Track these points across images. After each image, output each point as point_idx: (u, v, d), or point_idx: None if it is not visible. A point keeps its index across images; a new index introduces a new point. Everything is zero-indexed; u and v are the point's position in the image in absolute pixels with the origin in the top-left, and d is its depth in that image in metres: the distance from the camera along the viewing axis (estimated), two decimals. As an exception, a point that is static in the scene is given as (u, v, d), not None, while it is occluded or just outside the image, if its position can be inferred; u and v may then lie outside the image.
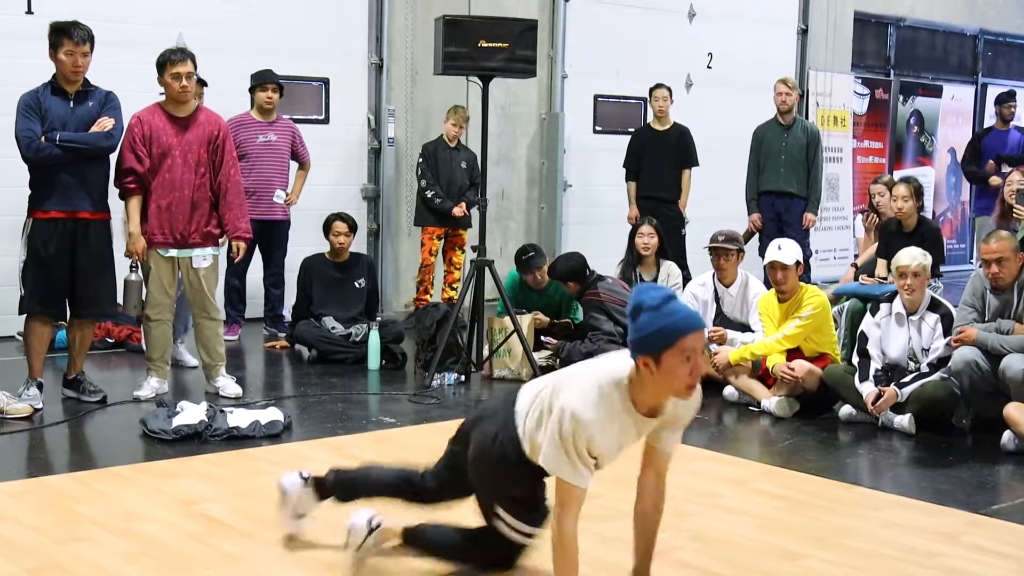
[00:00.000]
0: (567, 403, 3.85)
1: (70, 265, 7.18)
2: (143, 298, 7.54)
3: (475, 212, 8.77)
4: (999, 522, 5.45)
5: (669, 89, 11.35)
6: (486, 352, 8.63)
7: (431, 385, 8.15)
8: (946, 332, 7.18)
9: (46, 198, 7.11)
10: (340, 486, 4.82)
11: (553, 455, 3.90)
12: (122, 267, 7.55)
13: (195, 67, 7.48)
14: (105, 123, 7.17)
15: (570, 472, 3.90)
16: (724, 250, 8.31)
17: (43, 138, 7.03)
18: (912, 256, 7.24)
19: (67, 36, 7.07)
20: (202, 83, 8.57)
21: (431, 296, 10.70)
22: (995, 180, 11.83)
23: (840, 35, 15.36)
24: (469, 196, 10.53)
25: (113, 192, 7.44)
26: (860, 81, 15.62)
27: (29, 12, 9.21)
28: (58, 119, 7.09)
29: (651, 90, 11.41)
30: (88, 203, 7.18)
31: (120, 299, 7.55)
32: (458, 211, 10.52)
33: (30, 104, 7.09)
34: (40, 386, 7.28)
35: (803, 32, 15.06)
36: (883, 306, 7.41)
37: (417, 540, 4.60)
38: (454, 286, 10.74)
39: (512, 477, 4.22)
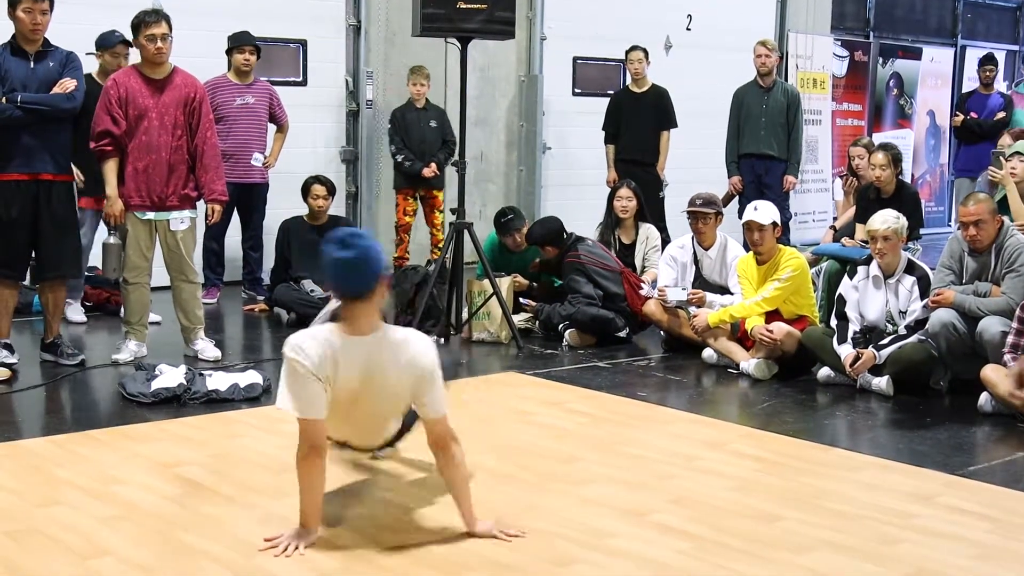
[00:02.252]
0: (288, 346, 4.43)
1: (32, 227, 7.16)
2: (121, 261, 7.51)
3: (454, 174, 8.74)
4: (975, 483, 5.48)
5: (645, 51, 11.32)
6: (465, 315, 8.63)
7: (410, 348, 8.12)
8: (923, 295, 7.20)
9: (7, 160, 7.08)
10: None
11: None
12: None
13: (170, 29, 7.42)
14: (67, 84, 7.12)
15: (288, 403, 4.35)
16: (702, 214, 8.31)
17: (3, 99, 6.98)
18: (883, 220, 7.24)
19: None
20: (127, 44, 8.47)
21: (408, 256, 10.70)
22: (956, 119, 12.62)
23: (820, -3, 15.34)
24: (439, 156, 10.55)
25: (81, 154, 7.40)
26: (840, 43, 15.61)
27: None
28: (18, 80, 7.05)
29: (627, 52, 11.38)
30: (50, 165, 7.15)
31: (99, 263, 7.53)
32: (427, 172, 10.51)
33: None
34: (8, 347, 7.27)
35: (783, -6, 15.04)
36: (860, 269, 7.42)
37: None
38: (439, 247, 10.74)
39: None
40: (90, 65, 8.20)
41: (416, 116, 10.76)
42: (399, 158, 10.64)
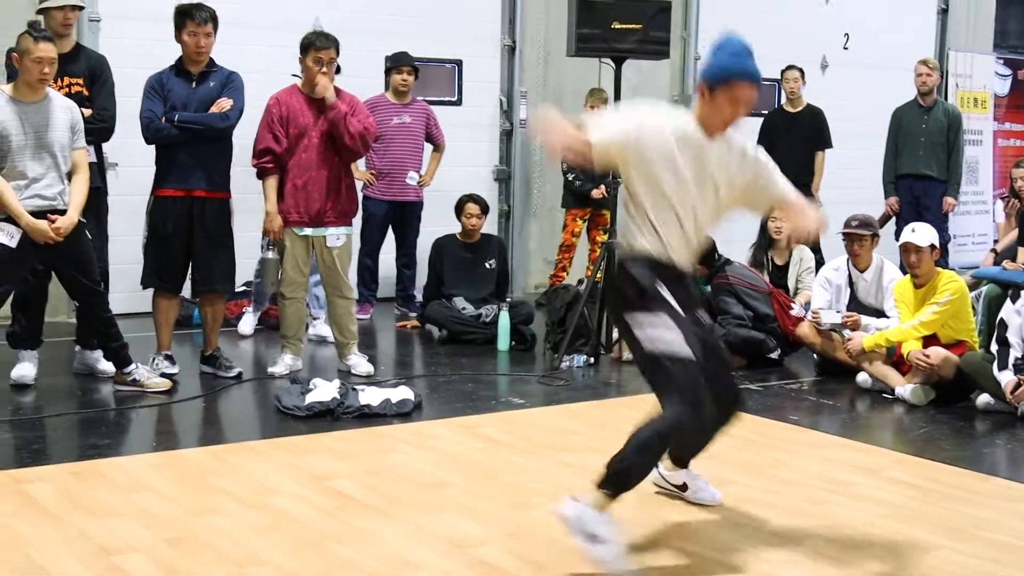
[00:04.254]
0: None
1: (187, 242, 7.36)
2: (279, 276, 7.68)
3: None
4: None
5: (801, 71, 11.19)
6: (615, 335, 8.61)
7: (560, 367, 8.16)
8: (1090, 321, 6.99)
9: (166, 177, 7.33)
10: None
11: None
12: (241, 245, 7.71)
13: (338, 54, 7.57)
14: (223, 104, 7.31)
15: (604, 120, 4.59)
16: (858, 235, 8.18)
17: (163, 118, 7.21)
18: (1053, 241, 7.06)
19: (189, 18, 7.26)
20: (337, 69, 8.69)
21: (567, 275, 10.72)
22: None
23: (982, 14, 14.98)
24: (609, 178, 10.54)
25: (234, 171, 7.58)
26: (1002, 61, 15.22)
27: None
28: (179, 99, 7.28)
29: (782, 72, 11.27)
30: (204, 182, 7.34)
31: (255, 277, 7.69)
32: (597, 193, 10.51)
33: (153, 85, 7.33)
34: (169, 358, 7.48)
35: (943, 11, 14.72)
36: (1023, 293, 7.23)
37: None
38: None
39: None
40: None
41: None
42: (570, 177, 10.67)
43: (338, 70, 8.74)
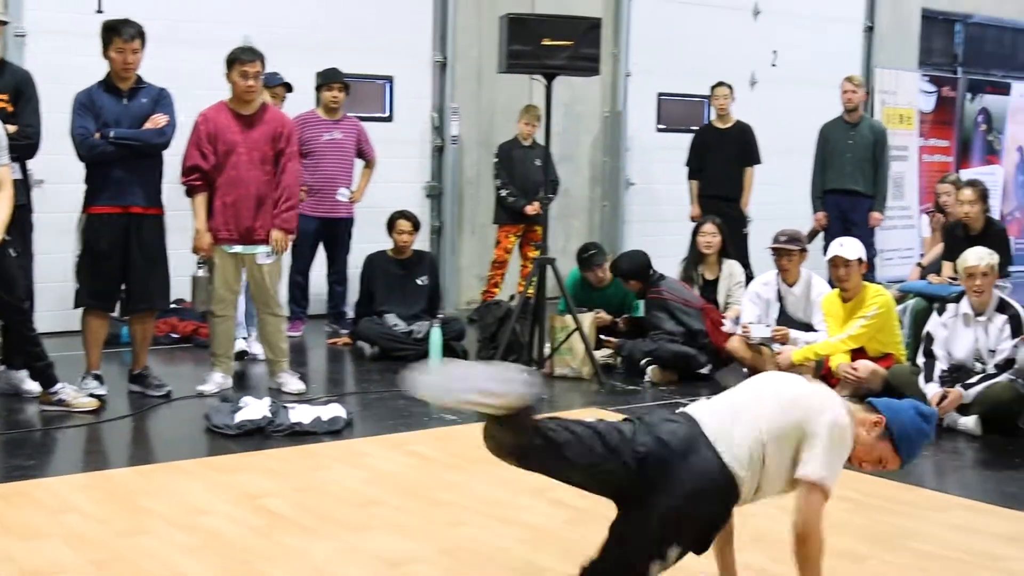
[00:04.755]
0: (840, 419, 3.94)
1: (123, 260, 7.29)
2: (209, 294, 7.62)
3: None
4: (1066, 526, 5.38)
5: (730, 87, 11.29)
6: (547, 350, 8.62)
7: (492, 383, 8.13)
8: (1014, 333, 7.09)
9: (99, 194, 7.25)
10: None
11: (830, 463, 3.93)
12: (178, 262, 7.64)
13: (263, 67, 7.55)
14: (158, 120, 7.26)
15: (834, 478, 3.96)
16: (787, 250, 8.26)
17: (97, 135, 7.14)
18: (979, 256, 7.16)
19: (116, 34, 7.20)
20: (288, 87, 8.69)
21: (499, 291, 10.73)
22: None
23: (907, 32, 15.20)
24: (541, 194, 10.59)
25: (168, 188, 7.52)
26: (927, 79, 15.45)
27: (99, 11, 9.28)
28: (111, 116, 7.21)
29: (712, 88, 11.36)
30: (141, 198, 7.28)
31: (186, 294, 7.63)
32: (531, 209, 10.53)
33: (84, 102, 7.23)
34: (98, 378, 7.39)
35: (869, 29, 14.91)
36: (950, 306, 7.33)
37: None
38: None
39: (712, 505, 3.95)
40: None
41: (523, 154, 10.82)
42: (503, 193, 10.70)
43: (289, 88, 8.73)
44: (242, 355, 8.56)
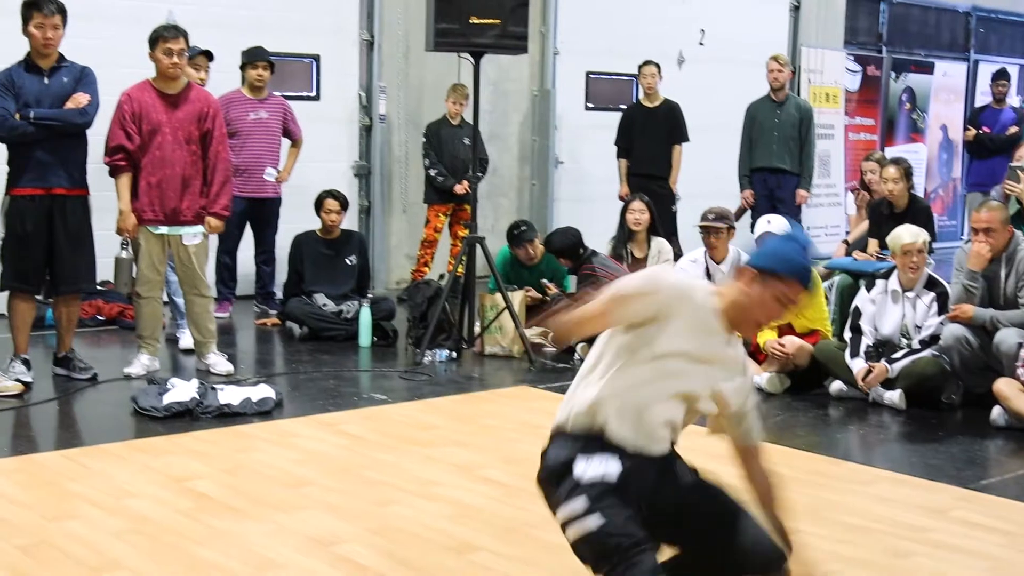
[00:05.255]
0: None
1: (47, 242, 7.17)
2: (133, 275, 7.53)
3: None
4: (988, 497, 5.47)
5: (658, 66, 11.33)
6: (477, 329, 8.63)
7: (422, 362, 8.15)
8: (941, 310, 7.19)
9: (22, 175, 7.10)
10: None
11: (623, 281, 3.65)
12: (102, 243, 7.54)
13: (187, 45, 7.46)
14: (80, 99, 7.13)
15: (618, 290, 3.61)
16: (715, 228, 8.31)
17: (17, 115, 7.01)
18: (914, 234, 7.26)
19: (37, 9, 7.04)
20: (208, 56, 8.50)
21: (429, 270, 10.71)
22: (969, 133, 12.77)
23: (832, 12, 15.32)
24: (470, 173, 10.58)
25: (91, 168, 7.42)
26: (852, 58, 15.60)
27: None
28: (32, 95, 7.06)
29: (640, 67, 11.39)
30: (64, 179, 7.16)
31: (111, 276, 7.55)
32: (459, 189, 10.52)
33: (3, 82, 7.06)
34: (26, 362, 7.28)
35: (795, 9, 15.04)
36: (879, 282, 7.42)
37: None
38: (457, 258, 10.78)
39: None
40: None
41: (451, 133, 10.79)
42: (432, 172, 10.67)
43: (210, 56, 8.58)
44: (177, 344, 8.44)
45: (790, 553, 3.74)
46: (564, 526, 3.46)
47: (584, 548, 3.43)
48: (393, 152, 11.66)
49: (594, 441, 3.55)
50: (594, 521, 3.39)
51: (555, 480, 3.55)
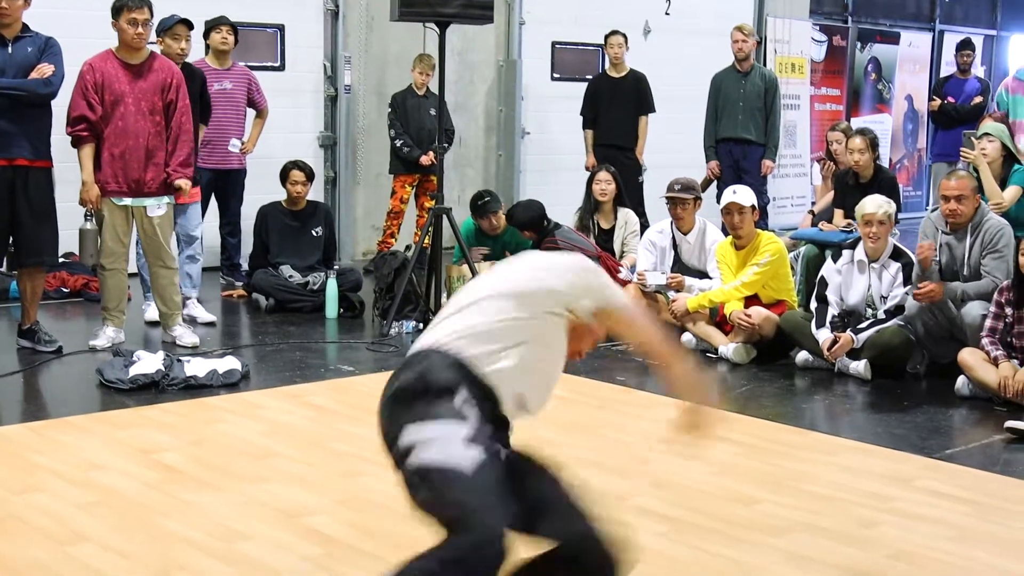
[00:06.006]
0: None
1: (10, 213, 7.12)
2: (98, 247, 7.48)
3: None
4: (953, 466, 5.51)
5: (624, 36, 11.31)
6: (444, 300, 8.62)
7: (389, 333, 8.14)
8: (907, 281, 7.23)
9: None
10: None
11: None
12: (66, 215, 7.48)
13: (151, 14, 7.40)
14: (44, 69, 7.07)
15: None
16: (681, 199, 8.32)
17: None
18: (877, 204, 7.28)
19: None
20: (188, 24, 8.42)
21: (395, 241, 10.69)
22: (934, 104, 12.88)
23: (798, -19, 15.33)
24: (436, 144, 10.55)
25: (56, 140, 7.36)
26: (818, 28, 15.61)
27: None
28: None
29: (606, 37, 11.37)
30: (27, 151, 7.10)
31: (75, 248, 7.49)
32: (425, 160, 10.49)
33: None
34: (-8, 335, 7.25)
35: (762, -21, 15.04)
36: (845, 252, 7.45)
37: None
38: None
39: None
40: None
41: (417, 103, 10.75)
42: (398, 143, 10.63)
43: (190, 25, 8.48)
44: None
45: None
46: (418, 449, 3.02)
47: (439, 485, 2.96)
48: (358, 123, 11.61)
49: (485, 402, 3.16)
50: (470, 463, 2.96)
51: (430, 395, 3.14)
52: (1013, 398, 6.44)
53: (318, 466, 5.27)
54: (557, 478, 3.27)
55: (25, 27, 7.15)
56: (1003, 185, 7.96)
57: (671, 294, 8.20)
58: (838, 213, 8.83)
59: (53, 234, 7.38)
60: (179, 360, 6.84)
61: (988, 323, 6.71)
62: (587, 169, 10.76)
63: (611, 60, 11.38)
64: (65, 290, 9.17)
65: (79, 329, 8.08)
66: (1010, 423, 6.04)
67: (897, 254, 7.34)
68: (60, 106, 7.34)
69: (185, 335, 7.69)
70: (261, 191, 9.84)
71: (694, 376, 3.53)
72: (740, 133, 11.08)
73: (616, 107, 11.16)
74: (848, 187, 8.72)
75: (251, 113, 9.89)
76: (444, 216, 8.46)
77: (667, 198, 8.39)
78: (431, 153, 10.35)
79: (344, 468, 5.24)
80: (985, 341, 6.67)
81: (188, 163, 7.63)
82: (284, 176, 9.38)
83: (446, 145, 8.80)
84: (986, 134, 8.21)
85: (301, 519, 4.58)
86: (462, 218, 9.27)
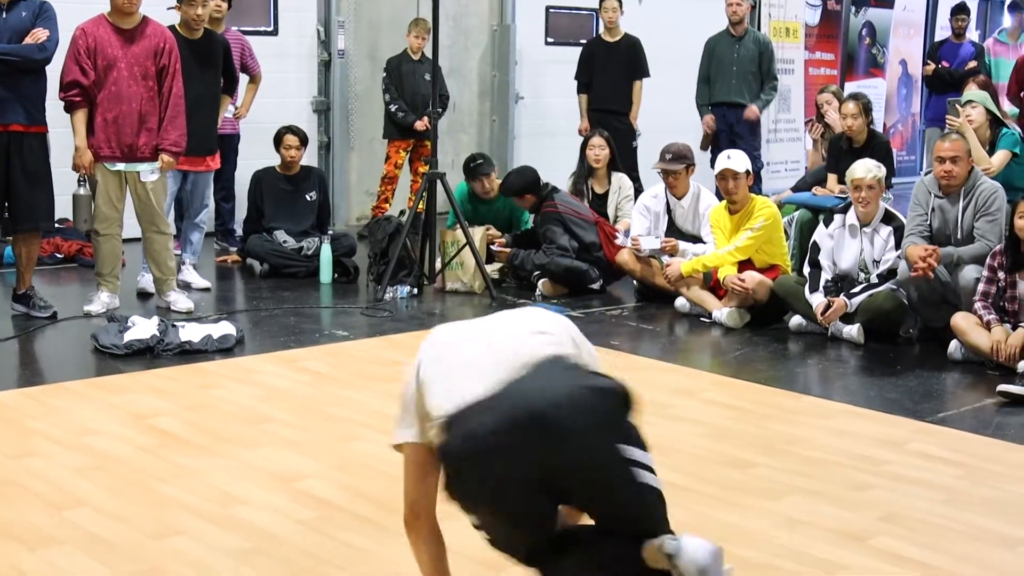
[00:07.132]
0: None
1: (4, 179, 7.10)
2: (92, 212, 7.47)
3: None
4: (945, 429, 5.54)
5: (619, 0, 11.27)
6: (439, 265, 8.63)
7: (383, 298, 8.15)
8: (898, 245, 7.24)
9: None
10: None
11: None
12: (60, 181, 7.47)
13: None
14: (38, 34, 7.05)
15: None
16: (672, 171, 8.30)
17: None
18: (867, 168, 7.28)
19: None
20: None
21: (390, 206, 10.68)
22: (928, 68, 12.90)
23: (793, -55, 15.27)
24: (430, 109, 10.52)
25: (50, 105, 7.33)
26: (812, -8, 15.57)
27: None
28: None
29: (600, 1, 11.32)
30: (22, 116, 7.08)
31: (69, 214, 7.47)
32: (420, 125, 10.46)
33: None
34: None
35: (756, -58, 14.97)
36: (837, 217, 7.46)
37: None
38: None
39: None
40: (172, 19, 8.17)
41: (412, 68, 10.71)
42: (393, 108, 10.60)
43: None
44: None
45: None
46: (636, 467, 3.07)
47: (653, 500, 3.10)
48: (352, 87, 11.58)
49: None
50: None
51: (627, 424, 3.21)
52: (1005, 362, 6.48)
53: (313, 430, 5.29)
54: None
55: (19, -9, 7.13)
56: (993, 147, 7.98)
57: (665, 258, 8.21)
58: (831, 178, 8.83)
59: (48, 199, 7.37)
60: (174, 325, 6.85)
61: (981, 287, 6.73)
62: (581, 134, 10.74)
63: (605, 24, 11.34)
64: (59, 256, 9.17)
65: (74, 294, 8.08)
66: (1002, 387, 6.07)
67: (888, 218, 7.35)
68: (55, 71, 7.32)
69: (180, 300, 7.70)
70: (255, 156, 9.83)
71: None
72: (734, 97, 11.04)
73: (610, 72, 11.12)
74: (841, 151, 8.72)
75: (244, 78, 9.85)
76: (438, 181, 8.45)
77: (659, 169, 8.38)
78: (425, 118, 10.32)
79: (339, 432, 5.26)
80: (978, 305, 6.69)
81: (180, 141, 7.60)
82: (278, 141, 9.36)
83: (440, 110, 8.78)
84: (970, 101, 8.21)
85: (296, 483, 4.60)
86: (456, 183, 9.26)
